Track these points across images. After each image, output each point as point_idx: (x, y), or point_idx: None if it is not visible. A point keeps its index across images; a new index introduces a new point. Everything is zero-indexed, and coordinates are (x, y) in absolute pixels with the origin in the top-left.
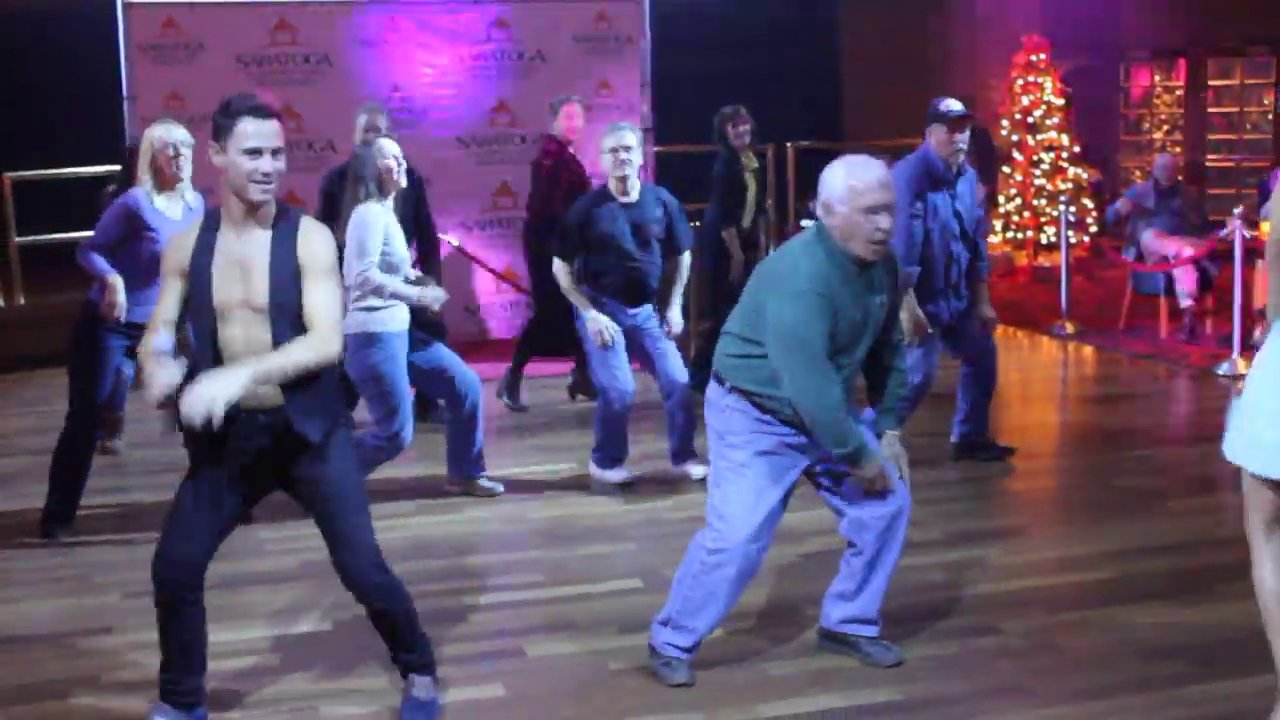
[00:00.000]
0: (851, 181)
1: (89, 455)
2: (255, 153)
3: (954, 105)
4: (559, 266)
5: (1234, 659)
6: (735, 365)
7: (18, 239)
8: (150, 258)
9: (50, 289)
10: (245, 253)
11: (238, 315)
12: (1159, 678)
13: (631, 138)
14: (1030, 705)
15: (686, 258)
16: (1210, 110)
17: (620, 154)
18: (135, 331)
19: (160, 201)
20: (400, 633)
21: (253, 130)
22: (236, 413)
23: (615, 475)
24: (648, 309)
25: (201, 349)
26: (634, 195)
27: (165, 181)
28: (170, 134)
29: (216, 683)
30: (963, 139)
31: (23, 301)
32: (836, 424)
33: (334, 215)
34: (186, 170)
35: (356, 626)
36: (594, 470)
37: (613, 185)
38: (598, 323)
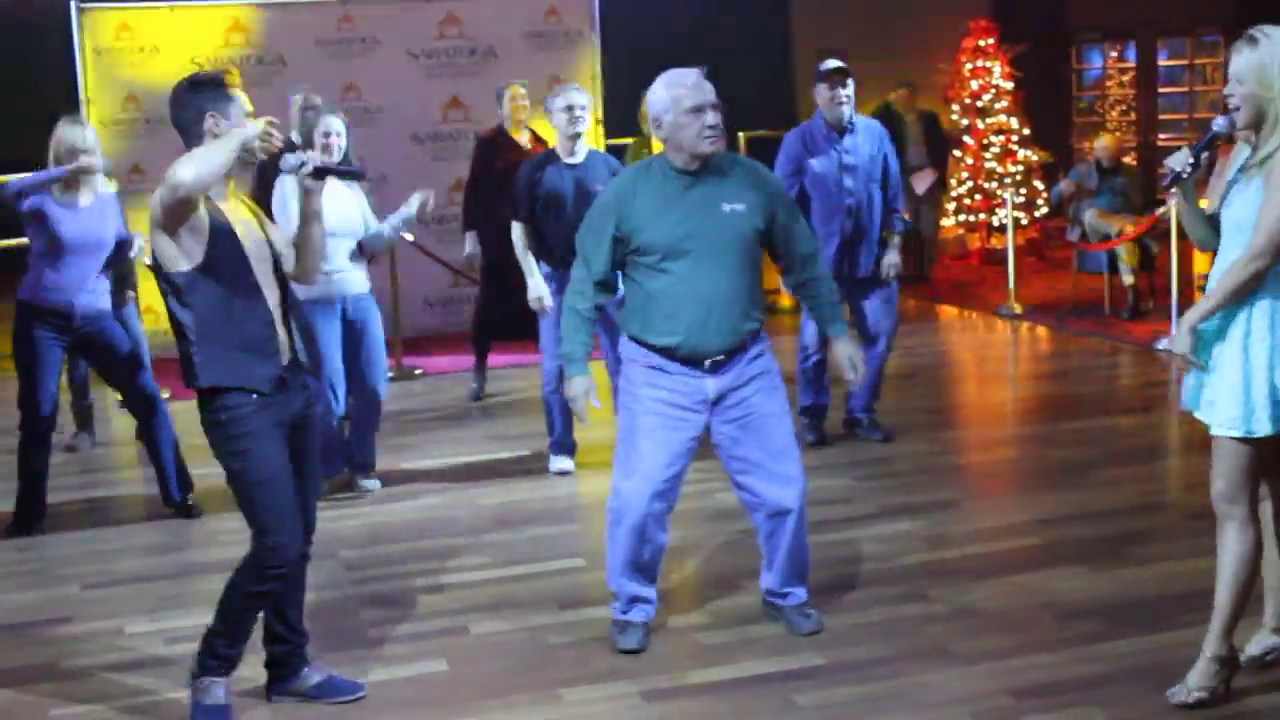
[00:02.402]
0: (673, 91)
1: (44, 452)
2: (251, 116)
3: (829, 62)
4: (515, 229)
5: (1143, 618)
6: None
7: None
8: (59, 242)
9: (7, 290)
10: (245, 216)
11: (265, 277)
12: (1073, 636)
13: (581, 98)
14: (949, 665)
15: None
16: (1161, 90)
17: (575, 111)
18: (62, 321)
19: (61, 194)
20: (302, 595)
21: (244, 98)
22: (291, 372)
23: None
24: None
25: (261, 310)
26: (580, 157)
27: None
28: (80, 138)
29: (177, 666)
30: (844, 93)
31: None
32: (563, 320)
33: (266, 187)
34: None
35: (309, 611)
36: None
37: (562, 146)
38: (535, 290)
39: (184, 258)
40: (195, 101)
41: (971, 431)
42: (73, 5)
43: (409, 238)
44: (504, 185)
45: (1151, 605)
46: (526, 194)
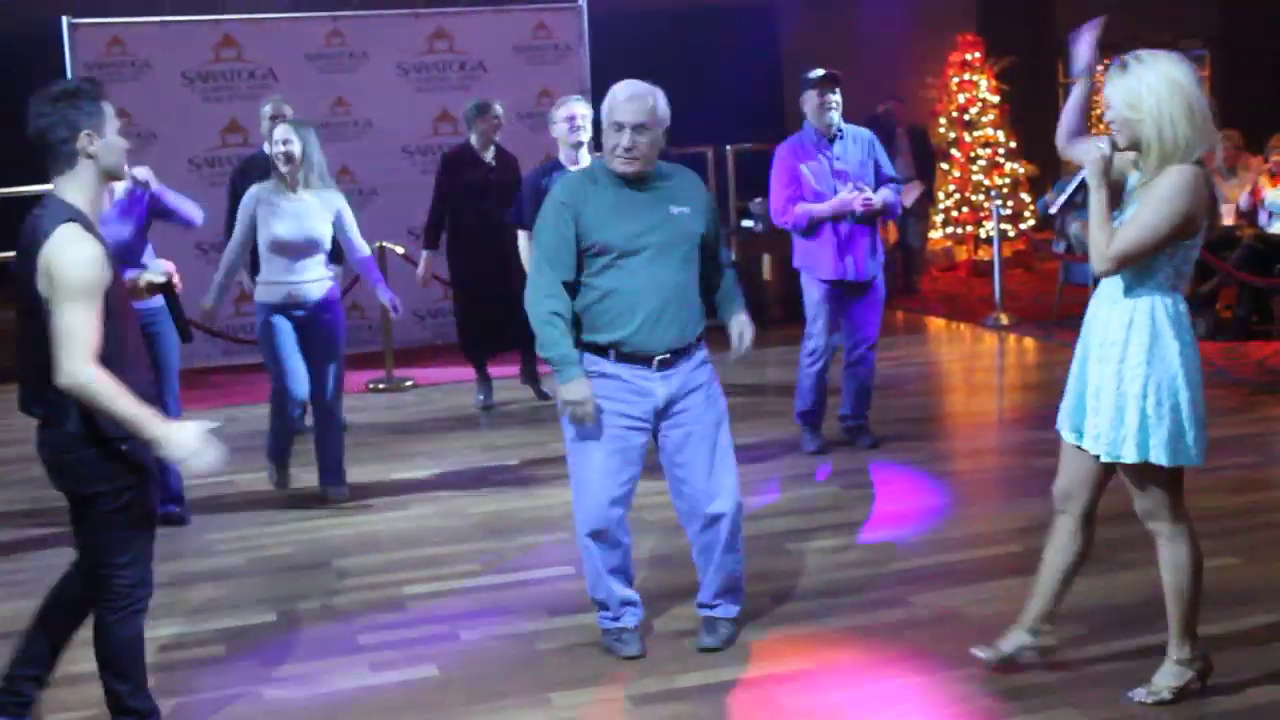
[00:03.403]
0: (609, 100)
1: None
2: (118, 133)
3: (817, 70)
4: (522, 239)
5: (1120, 622)
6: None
7: None
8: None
9: None
10: (109, 237)
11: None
12: (1056, 641)
13: (582, 108)
14: (931, 669)
15: None
16: None
17: (576, 120)
18: None
19: None
20: None
21: (115, 111)
22: None
23: None
24: None
25: (123, 349)
26: (584, 164)
27: None
28: None
29: (168, 674)
30: (833, 99)
31: None
32: (540, 326)
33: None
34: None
35: (298, 618)
36: None
37: (565, 154)
38: None
39: None
40: (69, 117)
41: (957, 440)
42: (64, 20)
43: (399, 250)
44: (471, 200)
45: (1134, 609)
46: (535, 203)
